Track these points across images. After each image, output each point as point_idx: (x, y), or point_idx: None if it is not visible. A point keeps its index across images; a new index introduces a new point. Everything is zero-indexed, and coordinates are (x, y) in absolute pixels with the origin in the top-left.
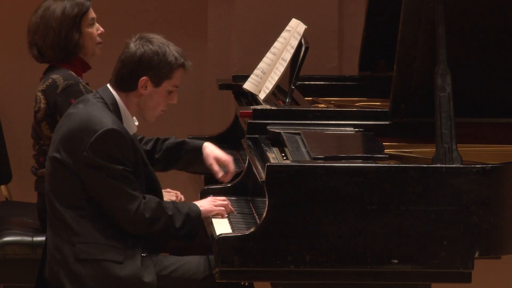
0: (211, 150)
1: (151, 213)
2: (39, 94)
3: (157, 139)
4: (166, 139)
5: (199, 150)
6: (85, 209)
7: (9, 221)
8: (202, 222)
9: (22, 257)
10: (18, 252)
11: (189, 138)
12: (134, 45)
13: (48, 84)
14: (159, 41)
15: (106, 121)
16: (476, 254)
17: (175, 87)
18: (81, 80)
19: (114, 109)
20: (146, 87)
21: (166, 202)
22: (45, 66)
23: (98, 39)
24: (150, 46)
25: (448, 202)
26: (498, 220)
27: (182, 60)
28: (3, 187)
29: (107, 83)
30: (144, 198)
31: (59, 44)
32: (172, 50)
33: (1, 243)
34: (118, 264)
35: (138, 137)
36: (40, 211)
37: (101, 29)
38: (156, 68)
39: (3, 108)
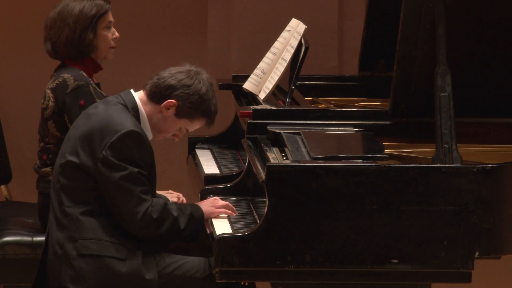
0: None
1: (158, 214)
2: (48, 91)
3: None
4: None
5: None
6: (91, 205)
7: (9, 221)
8: (203, 224)
9: (22, 257)
10: (18, 252)
11: (189, 137)
12: (188, 73)
13: (58, 82)
14: (207, 85)
15: (128, 122)
16: (476, 254)
17: (187, 130)
18: (92, 82)
19: (134, 113)
20: (169, 109)
21: (170, 203)
22: (49, 62)
23: (112, 43)
24: (200, 86)
25: (448, 202)
26: (498, 220)
27: (212, 116)
28: (3, 187)
29: (117, 84)
30: (152, 201)
31: (72, 42)
32: (212, 101)
33: (1, 243)
34: (120, 261)
35: None
36: (40, 210)
37: (117, 34)
38: (189, 104)
39: (3, 108)
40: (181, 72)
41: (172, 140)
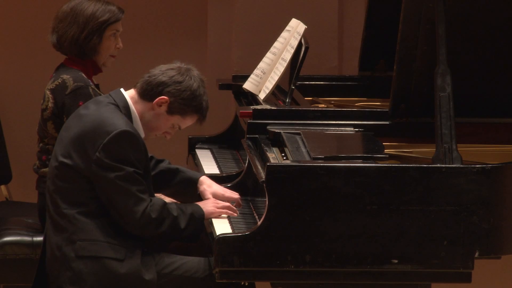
0: (208, 185)
1: (157, 214)
2: (48, 92)
3: (151, 157)
4: (160, 161)
5: (193, 183)
6: (87, 206)
7: (9, 221)
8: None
9: (22, 257)
10: (18, 252)
11: (189, 137)
12: (179, 69)
13: (57, 83)
14: (199, 81)
15: (120, 123)
16: (476, 254)
17: (179, 126)
18: (91, 83)
19: (125, 112)
20: (161, 106)
21: (170, 203)
22: (49, 63)
23: (114, 52)
24: (191, 82)
25: (448, 202)
26: (498, 220)
27: (204, 113)
28: (3, 187)
29: (117, 85)
30: (151, 200)
31: (77, 41)
32: (204, 97)
33: (1, 243)
34: (119, 262)
35: None
36: (40, 210)
37: (121, 44)
38: (180, 100)
39: (3, 108)
40: (171, 69)
41: (164, 137)
